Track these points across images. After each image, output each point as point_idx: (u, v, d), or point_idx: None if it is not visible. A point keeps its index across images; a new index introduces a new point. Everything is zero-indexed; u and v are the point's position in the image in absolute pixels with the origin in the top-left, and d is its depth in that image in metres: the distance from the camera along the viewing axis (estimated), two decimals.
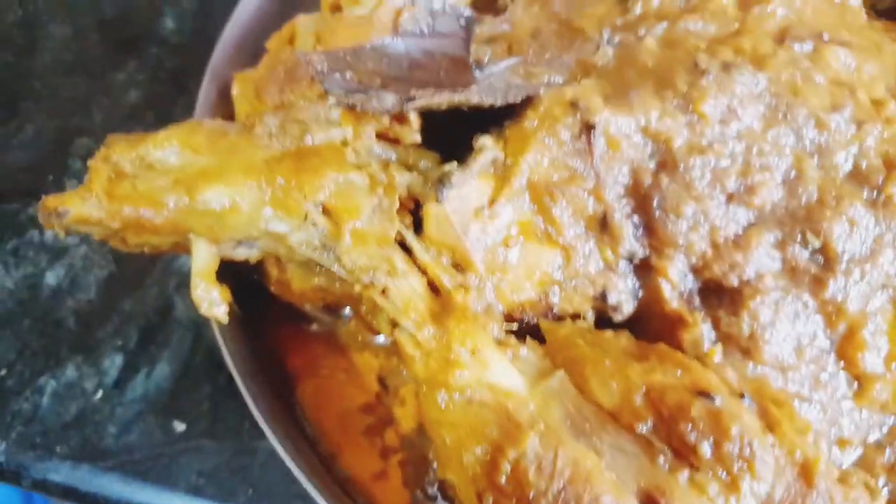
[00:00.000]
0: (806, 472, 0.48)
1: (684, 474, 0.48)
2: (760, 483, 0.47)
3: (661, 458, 0.49)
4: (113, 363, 0.71)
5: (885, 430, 0.63)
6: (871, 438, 0.63)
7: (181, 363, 0.71)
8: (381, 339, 0.69)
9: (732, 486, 0.47)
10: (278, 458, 0.66)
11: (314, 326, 0.70)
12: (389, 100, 0.54)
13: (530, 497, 0.47)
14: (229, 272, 0.60)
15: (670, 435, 0.48)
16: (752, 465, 0.47)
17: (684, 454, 0.48)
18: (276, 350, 0.69)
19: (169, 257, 0.74)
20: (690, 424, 0.48)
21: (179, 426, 0.68)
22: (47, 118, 0.85)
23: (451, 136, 0.60)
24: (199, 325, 0.73)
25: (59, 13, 0.93)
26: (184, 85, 0.85)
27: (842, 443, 0.61)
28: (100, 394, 0.69)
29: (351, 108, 0.55)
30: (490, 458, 0.49)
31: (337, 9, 0.70)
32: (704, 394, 0.49)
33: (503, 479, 0.48)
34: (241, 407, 0.61)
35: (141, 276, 0.75)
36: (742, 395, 0.51)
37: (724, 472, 0.47)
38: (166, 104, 0.84)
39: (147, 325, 0.73)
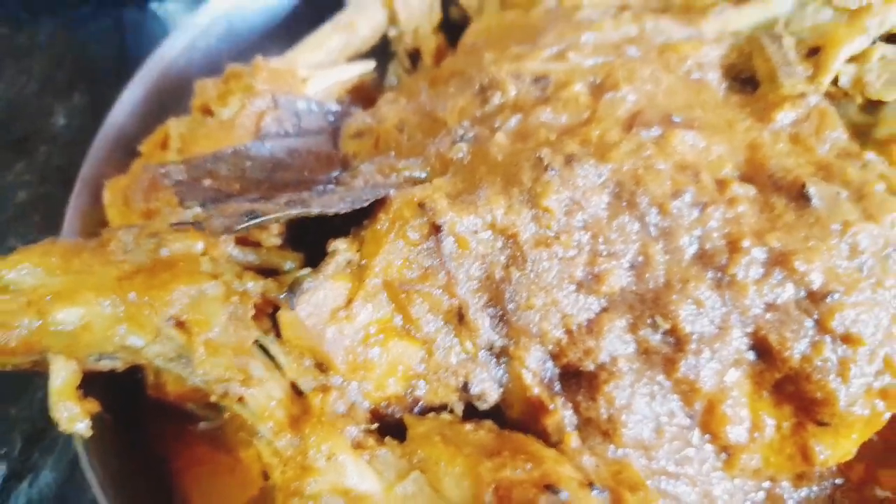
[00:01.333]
0: None
1: None
2: None
3: None
4: None
5: (760, 494, 0.65)
6: None
7: (66, 468, 0.70)
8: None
9: None
10: None
11: (200, 425, 0.70)
12: (233, 219, 0.54)
13: None
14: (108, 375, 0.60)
15: None
16: None
17: None
18: (158, 452, 0.68)
19: None
20: None
21: None
22: None
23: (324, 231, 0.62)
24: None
25: None
26: (72, 183, 0.85)
27: None
28: None
29: (195, 226, 0.56)
30: None
31: (207, 111, 0.72)
32: (551, 488, 0.50)
33: None
34: None
35: (28, 379, 0.75)
36: (591, 485, 0.52)
37: None
38: (54, 204, 0.83)
39: (32, 431, 0.72)
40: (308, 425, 0.54)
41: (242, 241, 0.61)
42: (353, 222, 0.62)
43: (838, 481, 0.68)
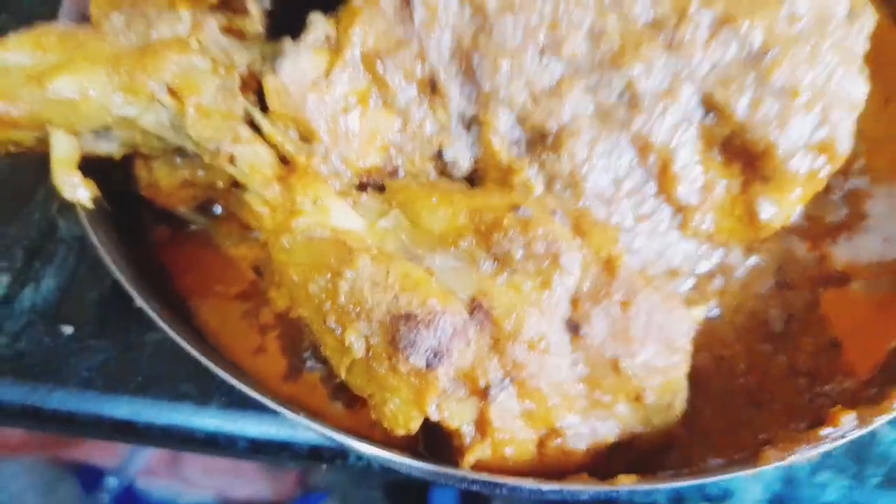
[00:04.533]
0: (610, 266, 0.55)
1: (503, 277, 0.54)
2: (568, 276, 0.54)
3: (484, 267, 0.54)
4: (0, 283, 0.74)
5: (714, 261, 0.71)
6: (701, 269, 0.70)
7: (66, 276, 0.74)
8: (255, 234, 0.74)
9: (544, 281, 0.53)
10: (165, 348, 0.71)
11: (191, 227, 0.75)
12: None
13: (368, 309, 0.53)
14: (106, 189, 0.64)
15: (489, 245, 0.54)
16: (558, 261, 0.53)
17: (501, 259, 0.54)
18: (154, 254, 0.73)
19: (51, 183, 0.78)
20: (503, 233, 0.54)
21: (68, 329, 0.71)
22: None
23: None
24: (83, 241, 0.76)
25: None
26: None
27: (672, 273, 0.68)
28: None
29: None
30: (331, 283, 0.54)
31: None
32: (516, 207, 0.55)
33: (343, 299, 0.53)
34: (128, 308, 0.64)
35: (23, 202, 0.79)
36: (554, 212, 0.57)
37: (536, 270, 0.53)
38: None
39: (31, 247, 0.76)
40: (294, 176, 0.59)
41: (227, 31, 0.65)
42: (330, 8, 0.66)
43: (785, 253, 0.74)
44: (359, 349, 0.52)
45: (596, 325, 0.54)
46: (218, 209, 0.74)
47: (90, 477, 1.13)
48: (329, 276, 0.54)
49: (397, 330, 0.52)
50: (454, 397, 0.53)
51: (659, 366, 0.55)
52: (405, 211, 0.58)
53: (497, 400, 0.52)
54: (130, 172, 0.70)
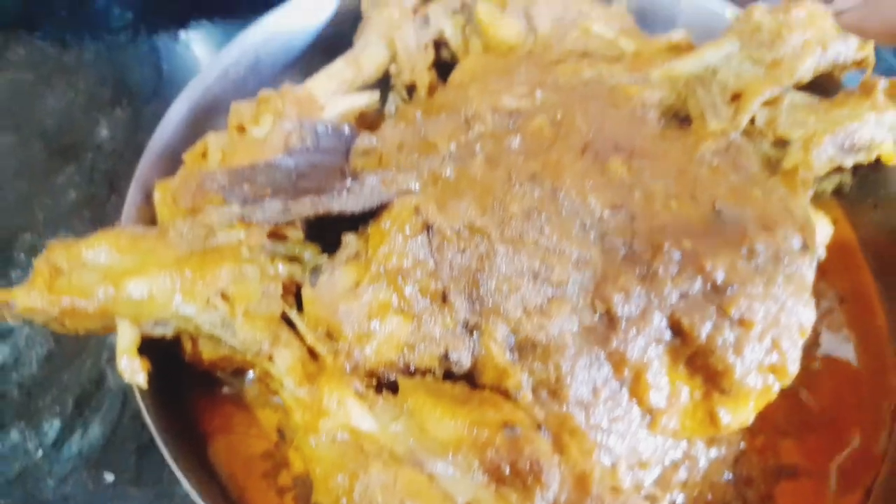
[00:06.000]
0: (583, 482, 0.65)
1: (493, 487, 0.64)
2: (547, 491, 0.64)
3: (477, 476, 0.65)
4: (51, 426, 0.84)
5: (679, 453, 0.81)
6: (668, 460, 0.81)
7: (111, 425, 0.85)
8: (278, 398, 0.85)
9: (527, 494, 0.64)
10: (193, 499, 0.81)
11: (224, 389, 0.85)
12: (271, 212, 0.71)
13: None
14: (153, 348, 0.75)
15: (483, 458, 0.65)
16: (540, 478, 0.64)
17: (493, 472, 0.64)
18: (192, 411, 0.84)
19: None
20: (495, 450, 0.64)
21: (109, 477, 0.81)
22: None
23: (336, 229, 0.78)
24: (127, 392, 0.87)
25: (4, 124, 1.07)
26: (116, 186, 1.01)
27: (642, 465, 0.78)
28: (40, 453, 0.82)
29: (242, 219, 0.71)
30: (348, 483, 0.64)
31: (241, 129, 0.87)
32: (509, 426, 0.66)
33: (357, 497, 0.64)
34: (162, 460, 0.74)
35: (77, 352, 0.89)
36: (539, 427, 0.68)
37: (521, 484, 0.64)
38: (100, 203, 0.99)
39: (82, 394, 0.87)
40: (323, 378, 0.70)
41: (273, 235, 0.77)
42: (361, 221, 0.78)
43: (742, 446, 0.85)
44: None
45: None
46: (251, 374, 0.85)
47: None
48: (347, 476, 0.65)
49: None
50: None
51: None
52: (414, 416, 0.69)
53: None
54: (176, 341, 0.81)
